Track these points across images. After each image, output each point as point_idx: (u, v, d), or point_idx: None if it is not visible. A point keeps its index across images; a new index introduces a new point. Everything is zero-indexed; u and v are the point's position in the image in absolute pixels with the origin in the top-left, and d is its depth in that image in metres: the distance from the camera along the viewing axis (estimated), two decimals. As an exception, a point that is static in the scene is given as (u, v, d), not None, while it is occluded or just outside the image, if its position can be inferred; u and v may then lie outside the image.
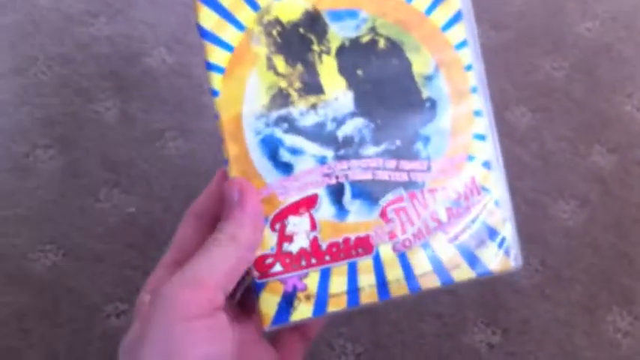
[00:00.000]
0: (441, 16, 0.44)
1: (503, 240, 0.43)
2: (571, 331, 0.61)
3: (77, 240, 0.65)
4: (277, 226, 0.40)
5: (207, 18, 0.41)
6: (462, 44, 0.44)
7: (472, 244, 0.43)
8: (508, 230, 0.43)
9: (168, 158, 0.70)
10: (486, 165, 0.44)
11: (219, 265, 0.35)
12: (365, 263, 0.42)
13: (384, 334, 0.64)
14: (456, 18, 0.44)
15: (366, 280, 0.42)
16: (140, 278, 0.62)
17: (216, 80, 0.42)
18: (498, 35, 0.78)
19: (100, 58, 0.76)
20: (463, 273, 0.42)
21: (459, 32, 0.44)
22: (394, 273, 0.42)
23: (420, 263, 0.42)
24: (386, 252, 0.42)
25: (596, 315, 0.63)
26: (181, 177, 0.68)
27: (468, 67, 0.44)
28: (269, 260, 0.40)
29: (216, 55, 0.42)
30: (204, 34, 0.41)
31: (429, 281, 0.42)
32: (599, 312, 0.63)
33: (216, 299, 0.34)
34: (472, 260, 0.43)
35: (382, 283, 0.42)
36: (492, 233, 0.43)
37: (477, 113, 0.44)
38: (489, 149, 0.44)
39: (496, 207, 0.43)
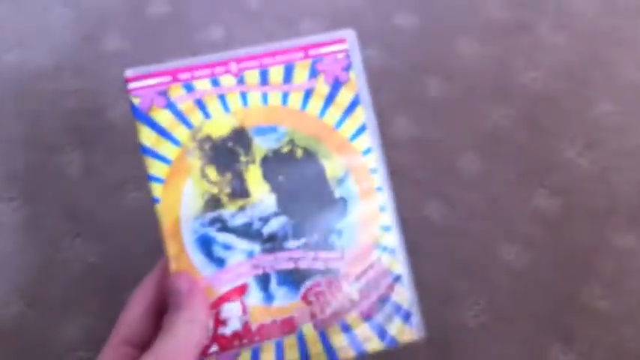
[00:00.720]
0: (348, 128, 0.53)
1: (407, 315, 0.50)
2: (517, 369, 0.63)
3: (40, 289, 0.66)
4: (212, 312, 0.46)
5: (148, 137, 0.49)
6: (367, 151, 0.52)
7: (381, 319, 0.50)
8: (412, 306, 0.50)
9: (128, 209, 0.72)
10: (391, 251, 0.51)
11: (185, 346, 0.41)
12: (290, 341, 0.48)
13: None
14: (361, 130, 0.53)
15: (291, 355, 0.48)
16: (103, 327, 0.64)
17: (157, 190, 0.49)
18: (449, 86, 0.82)
19: (64, 111, 0.79)
20: (374, 344, 0.49)
21: (364, 141, 0.52)
22: (315, 348, 0.48)
23: (338, 338, 0.49)
24: (308, 330, 0.49)
25: (542, 352, 0.66)
26: (140, 227, 0.71)
27: (374, 171, 0.52)
28: (206, 342, 0.46)
29: (157, 168, 0.49)
30: (145, 150, 0.49)
31: (345, 353, 0.49)
32: (543, 349, 0.66)
33: None
34: (381, 333, 0.50)
35: (305, 357, 0.48)
36: (398, 309, 0.50)
37: (382, 209, 0.51)
38: (393, 238, 0.51)
39: (401, 286, 0.50)
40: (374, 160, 0.52)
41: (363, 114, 0.53)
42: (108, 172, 0.75)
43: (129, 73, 0.50)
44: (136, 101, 0.50)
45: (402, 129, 0.80)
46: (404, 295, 0.50)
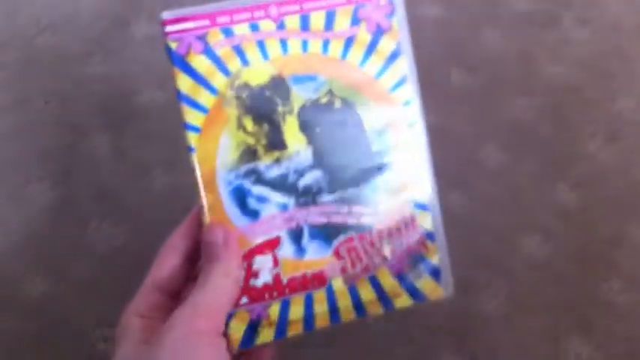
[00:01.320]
0: (389, 78, 0.51)
1: (437, 272, 0.49)
2: (535, 359, 0.64)
3: (68, 269, 0.67)
4: (244, 264, 0.46)
5: (184, 83, 0.48)
6: (408, 102, 0.51)
7: (411, 276, 0.49)
8: (443, 263, 0.50)
9: (155, 192, 0.73)
10: (425, 207, 0.50)
11: (221, 297, 0.41)
12: (319, 295, 0.48)
13: (361, 356, 0.67)
14: (402, 81, 0.51)
15: (320, 308, 0.47)
16: (127, 305, 0.65)
17: (193, 138, 0.48)
18: (472, 77, 0.83)
19: (94, 95, 0.80)
20: (402, 301, 0.49)
21: (405, 92, 0.51)
22: (344, 302, 0.48)
23: (367, 293, 0.49)
24: (338, 284, 0.48)
25: (559, 343, 0.67)
26: (167, 211, 0.71)
27: (413, 123, 0.51)
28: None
29: (193, 116, 0.48)
30: (182, 97, 0.47)
31: (374, 308, 0.48)
32: (561, 340, 0.67)
33: (221, 327, 0.41)
34: (411, 290, 0.49)
35: (334, 310, 0.48)
36: (428, 266, 0.49)
37: (419, 163, 0.51)
38: (428, 193, 0.50)
39: (432, 243, 0.50)
40: (413, 112, 0.51)
41: (405, 64, 0.52)
42: (137, 155, 0.75)
43: (166, 15, 0.48)
44: (174, 45, 0.48)
45: (424, 118, 0.81)
46: (435, 252, 0.50)
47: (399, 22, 0.52)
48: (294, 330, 0.46)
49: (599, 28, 0.87)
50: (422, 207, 0.51)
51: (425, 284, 0.50)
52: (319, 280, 0.48)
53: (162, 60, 0.77)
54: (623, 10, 0.89)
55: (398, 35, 0.52)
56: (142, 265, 0.68)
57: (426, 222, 0.51)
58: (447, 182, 0.74)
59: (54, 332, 0.64)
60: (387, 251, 0.50)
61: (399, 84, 0.52)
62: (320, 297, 0.48)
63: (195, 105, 0.49)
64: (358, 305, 0.48)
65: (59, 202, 0.72)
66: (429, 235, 0.50)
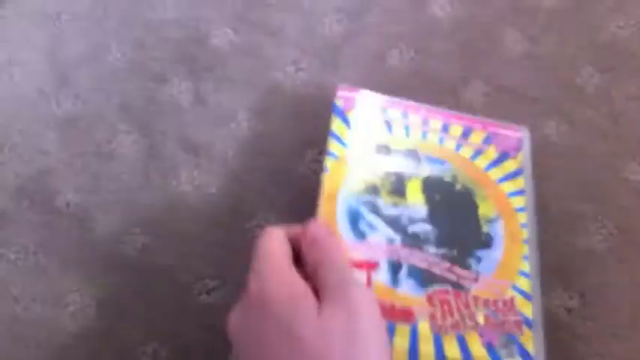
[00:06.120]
0: (509, 186, 0.60)
1: (530, 359, 0.51)
2: (648, 293, 0.62)
3: (163, 222, 0.67)
4: None
5: (338, 126, 0.62)
6: (521, 209, 0.59)
7: (503, 353, 0.51)
8: (537, 353, 0.51)
9: (244, 138, 0.72)
10: (526, 296, 0.54)
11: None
12: (403, 329, 0.50)
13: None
14: (519, 192, 0.60)
15: (401, 342, 0.50)
16: (226, 255, 0.65)
17: (330, 162, 0.59)
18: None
19: (169, 41, 0.78)
20: None
21: (520, 201, 0.59)
22: (426, 347, 0.50)
23: (452, 350, 0.50)
24: (424, 328, 0.51)
25: (673, 275, 0.64)
26: (258, 157, 0.70)
27: (524, 225, 0.58)
28: None
29: (335, 147, 0.60)
30: (332, 135, 0.61)
31: None
32: (675, 271, 0.64)
33: None
34: None
35: (414, 350, 0.50)
36: (522, 351, 0.51)
37: (525, 257, 0.56)
38: (531, 285, 0.54)
39: (530, 330, 0.52)
40: (525, 218, 0.58)
41: (524, 182, 0.60)
42: (219, 101, 0.74)
43: (341, 86, 0.66)
44: (338, 103, 0.64)
45: (514, 43, 0.77)
46: (530, 339, 0.52)
47: (524, 154, 0.62)
48: None
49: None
50: (523, 294, 0.54)
51: None
52: (407, 315, 0.51)
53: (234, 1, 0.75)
54: None
55: (521, 163, 0.62)
56: (238, 213, 0.68)
57: (526, 308, 0.53)
58: (544, 110, 0.70)
59: (157, 286, 0.64)
60: (480, 318, 0.52)
61: (516, 193, 0.60)
62: (403, 331, 0.50)
63: (340, 141, 0.61)
64: (440, 357, 0.50)
65: (147, 155, 0.71)
66: (527, 321, 0.52)
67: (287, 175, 0.69)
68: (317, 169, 0.68)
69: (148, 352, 0.61)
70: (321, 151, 0.69)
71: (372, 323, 0.42)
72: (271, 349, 0.41)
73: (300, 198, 0.67)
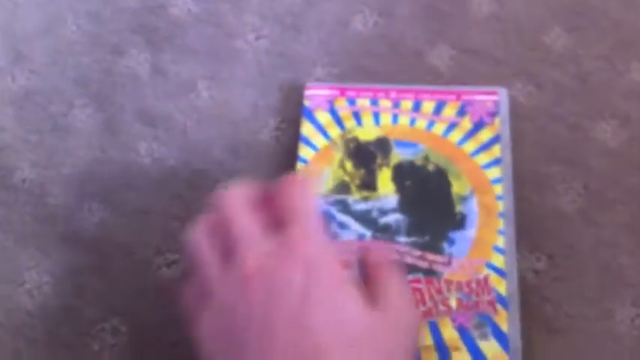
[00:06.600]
0: (483, 159, 0.60)
1: (505, 339, 0.50)
2: (616, 252, 0.60)
3: (121, 195, 0.66)
4: None
5: (307, 130, 0.63)
6: (497, 180, 0.59)
7: (476, 334, 0.51)
8: (512, 331, 0.51)
9: (203, 109, 0.70)
10: (501, 273, 0.54)
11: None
12: None
13: None
14: (495, 162, 0.60)
15: None
16: (186, 229, 0.64)
17: (300, 167, 0.61)
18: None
19: (126, 11, 0.76)
20: (461, 356, 0.50)
21: (496, 172, 0.59)
22: None
23: (424, 338, 0.50)
24: None
25: (642, 234, 0.63)
26: (218, 126, 0.69)
27: (499, 197, 0.58)
28: None
29: (305, 152, 0.62)
30: (302, 139, 0.62)
31: (429, 354, 0.50)
32: (644, 231, 0.63)
33: None
34: (472, 348, 0.50)
35: None
36: (496, 331, 0.51)
37: (500, 232, 0.56)
38: (506, 261, 0.54)
39: (503, 308, 0.52)
40: (501, 189, 0.58)
41: (500, 151, 0.60)
42: (178, 71, 0.72)
43: (310, 84, 0.66)
44: (307, 103, 0.65)
45: (479, 5, 0.75)
46: (505, 318, 0.51)
47: (501, 119, 0.63)
48: None
49: None
50: (497, 271, 0.54)
51: (489, 348, 0.50)
52: None
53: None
54: None
55: (498, 130, 0.62)
56: (197, 185, 0.66)
57: (500, 287, 0.53)
58: (511, 71, 0.69)
59: (116, 261, 0.63)
60: (453, 302, 0.52)
61: (492, 164, 0.60)
62: None
63: (310, 145, 0.62)
64: None
65: (104, 128, 0.69)
66: (501, 300, 0.52)
67: (248, 145, 0.67)
68: (279, 138, 0.67)
69: (107, 329, 0.59)
70: (283, 119, 0.67)
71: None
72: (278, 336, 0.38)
73: (261, 167, 0.66)
